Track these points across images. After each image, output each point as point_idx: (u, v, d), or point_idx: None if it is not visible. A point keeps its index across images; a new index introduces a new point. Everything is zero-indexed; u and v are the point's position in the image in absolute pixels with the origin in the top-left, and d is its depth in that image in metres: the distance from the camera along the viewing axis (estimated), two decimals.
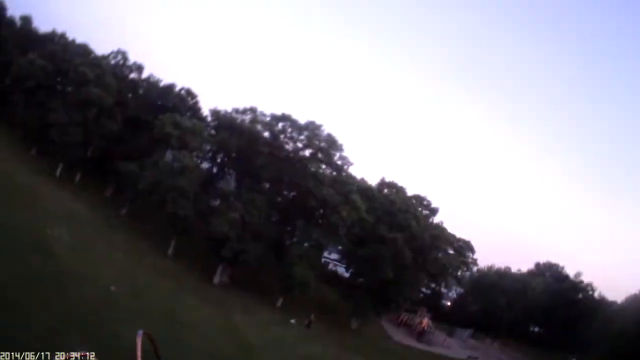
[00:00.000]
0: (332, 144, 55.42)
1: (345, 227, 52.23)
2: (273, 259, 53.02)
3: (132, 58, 69.02)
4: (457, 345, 70.30)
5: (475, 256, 73.61)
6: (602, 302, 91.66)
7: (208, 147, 58.58)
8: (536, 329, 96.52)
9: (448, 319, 77.97)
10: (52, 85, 64.22)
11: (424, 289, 71.54)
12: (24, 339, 16.80)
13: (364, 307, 55.65)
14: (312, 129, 55.74)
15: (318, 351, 44.24)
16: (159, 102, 65.12)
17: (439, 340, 67.74)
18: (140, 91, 68.24)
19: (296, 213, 56.50)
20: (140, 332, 5.30)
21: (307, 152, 56.75)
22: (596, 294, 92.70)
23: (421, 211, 59.92)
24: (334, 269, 77.51)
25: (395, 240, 52.24)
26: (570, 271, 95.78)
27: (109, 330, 22.75)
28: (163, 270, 48.19)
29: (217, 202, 53.91)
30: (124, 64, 68.43)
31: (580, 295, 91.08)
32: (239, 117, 57.39)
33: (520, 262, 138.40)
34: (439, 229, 60.77)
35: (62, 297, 25.35)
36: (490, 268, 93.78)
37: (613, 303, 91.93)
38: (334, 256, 75.62)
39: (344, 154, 56.67)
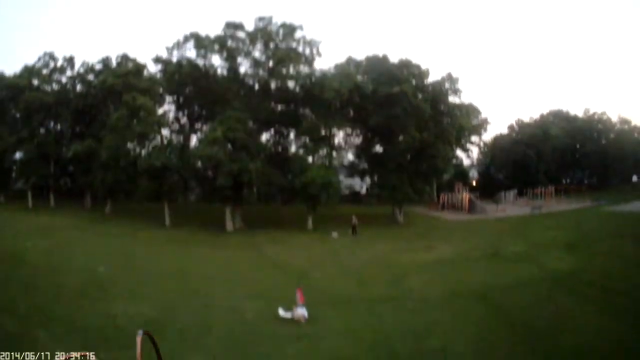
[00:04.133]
0: (289, 33, 43.45)
1: (336, 101, 40.80)
2: (279, 176, 41.17)
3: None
4: (511, 207, 59.83)
5: (483, 116, 65.13)
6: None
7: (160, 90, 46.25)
8: (571, 175, 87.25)
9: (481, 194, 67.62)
10: None
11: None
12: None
13: (401, 190, 44.05)
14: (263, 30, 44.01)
15: (385, 248, 33.96)
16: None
17: (491, 209, 57.20)
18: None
19: (286, 121, 44.80)
20: (140, 332, 4.11)
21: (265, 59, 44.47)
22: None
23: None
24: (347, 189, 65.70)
25: (405, 94, 40.94)
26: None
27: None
28: (164, 239, 37.75)
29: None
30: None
31: (600, 126, 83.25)
32: (177, 53, 45.06)
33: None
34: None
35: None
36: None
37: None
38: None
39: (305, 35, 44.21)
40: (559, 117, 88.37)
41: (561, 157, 78.42)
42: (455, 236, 38.31)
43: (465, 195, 57.69)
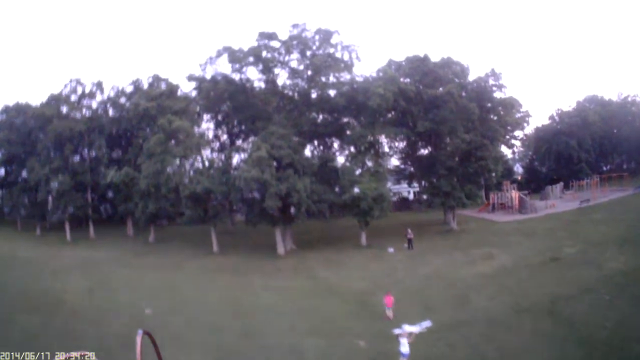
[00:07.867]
0: (325, 39, 41.91)
1: (382, 107, 38.69)
2: (328, 192, 39.07)
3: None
4: (559, 202, 57.45)
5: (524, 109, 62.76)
6: None
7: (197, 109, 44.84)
8: (611, 162, 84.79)
9: (527, 190, 65.57)
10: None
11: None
12: None
13: (454, 196, 42.19)
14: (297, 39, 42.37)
15: (443, 262, 32.62)
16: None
17: (540, 206, 54.88)
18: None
19: (329, 131, 43.02)
20: (140, 332, 4.48)
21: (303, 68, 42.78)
22: None
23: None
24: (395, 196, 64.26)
25: (452, 95, 39.02)
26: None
27: None
28: (213, 268, 36.21)
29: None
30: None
31: (634, 109, 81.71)
32: (211, 69, 43.41)
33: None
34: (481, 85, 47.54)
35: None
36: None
37: None
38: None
39: (344, 43, 42.22)
40: (595, 102, 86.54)
41: (600, 144, 76.37)
42: (511, 240, 36.69)
43: (515, 194, 55.40)
